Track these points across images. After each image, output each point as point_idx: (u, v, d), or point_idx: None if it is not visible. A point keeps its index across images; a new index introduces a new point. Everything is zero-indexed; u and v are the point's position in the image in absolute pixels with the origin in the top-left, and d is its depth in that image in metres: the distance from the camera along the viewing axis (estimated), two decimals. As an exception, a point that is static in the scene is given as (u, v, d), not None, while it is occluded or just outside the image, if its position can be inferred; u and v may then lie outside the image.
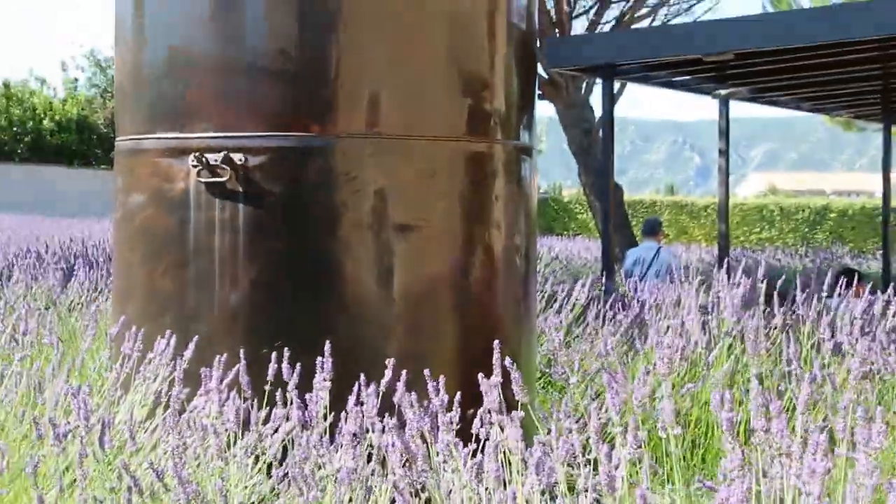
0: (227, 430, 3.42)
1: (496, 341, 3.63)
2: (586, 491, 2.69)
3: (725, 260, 11.53)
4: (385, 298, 4.59)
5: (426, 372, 3.45)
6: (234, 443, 3.47)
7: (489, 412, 3.22)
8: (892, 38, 11.38)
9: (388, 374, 3.67)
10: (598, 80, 14.60)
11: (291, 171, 4.59)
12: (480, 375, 3.39)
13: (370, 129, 4.59)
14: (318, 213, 4.58)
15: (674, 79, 14.50)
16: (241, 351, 4.08)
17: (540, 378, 6.13)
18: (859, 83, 15.69)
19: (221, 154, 4.53)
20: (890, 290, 6.43)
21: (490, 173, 4.85)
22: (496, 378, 3.37)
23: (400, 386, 3.43)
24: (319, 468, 3.01)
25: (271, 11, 4.66)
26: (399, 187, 4.62)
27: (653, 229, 14.19)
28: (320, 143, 4.59)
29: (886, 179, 19.28)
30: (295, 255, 4.60)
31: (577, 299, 7.26)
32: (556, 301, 7.32)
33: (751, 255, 23.42)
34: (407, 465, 2.68)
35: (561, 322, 7.04)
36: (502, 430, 3.04)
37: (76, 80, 44.64)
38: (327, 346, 3.77)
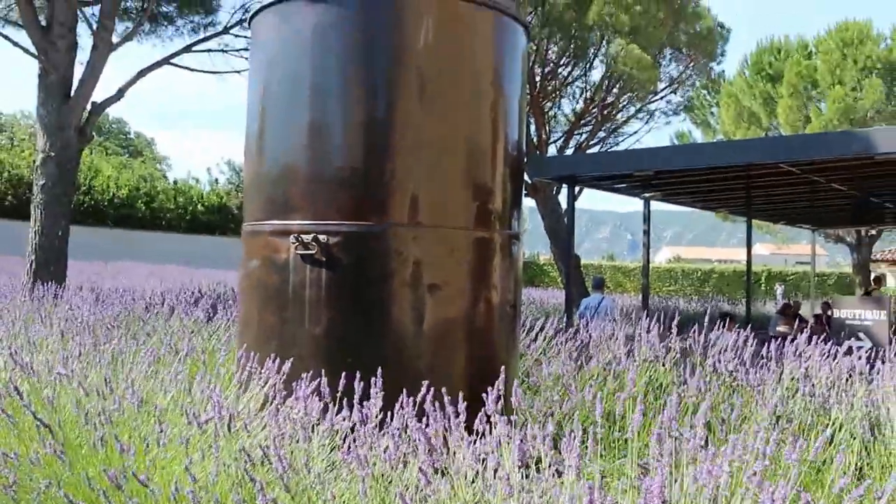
0: (310, 422, 3.38)
1: (496, 364, 3.63)
2: (549, 465, 2.65)
3: (646, 303, 11.50)
4: (418, 333, 4.56)
5: (444, 388, 3.42)
6: (315, 431, 3.44)
7: (489, 414, 3.17)
8: (751, 165, 11.41)
9: (423, 390, 3.61)
10: (564, 186, 14.63)
11: (358, 247, 4.60)
12: (487, 391, 3.36)
13: (411, 221, 4.59)
14: (374, 275, 4.58)
15: (614, 185, 14.49)
16: (322, 369, 4.06)
17: (521, 384, 6.07)
18: (732, 192, 15.71)
19: (311, 235, 4.58)
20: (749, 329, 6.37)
21: (491, 252, 4.84)
22: (497, 391, 3.32)
23: (428, 397, 3.38)
24: (372, 449, 2.97)
25: (346, 142, 4.68)
26: (430, 259, 4.62)
27: (599, 285, 14.16)
28: (377, 230, 4.58)
29: (749, 253, 19.36)
30: (359, 303, 4.58)
31: (546, 332, 7.20)
32: (533, 331, 7.28)
33: (662, 301, 23.28)
34: (429, 451, 2.64)
35: (537, 346, 6.99)
36: (495, 426, 2.99)
37: (217, 179, 45.05)
38: (380, 371, 3.73)
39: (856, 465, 4.10)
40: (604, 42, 19.07)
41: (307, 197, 4.73)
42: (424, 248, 4.60)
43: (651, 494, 2.02)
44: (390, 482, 2.90)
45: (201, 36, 16.34)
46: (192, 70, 15.89)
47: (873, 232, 30.38)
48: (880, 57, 25.68)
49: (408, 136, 4.63)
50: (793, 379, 4.83)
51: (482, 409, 3.29)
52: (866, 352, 5.84)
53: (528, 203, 20.79)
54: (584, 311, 13.06)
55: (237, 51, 16.56)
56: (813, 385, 4.64)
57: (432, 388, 3.42)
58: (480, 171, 4.83)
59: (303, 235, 4.61)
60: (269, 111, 5.00)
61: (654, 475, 2.20)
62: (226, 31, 16.20)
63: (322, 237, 4.58)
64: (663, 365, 5.28)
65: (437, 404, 3.19)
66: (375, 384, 3.52)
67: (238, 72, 16.59)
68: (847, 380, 4.89)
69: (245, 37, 15.63)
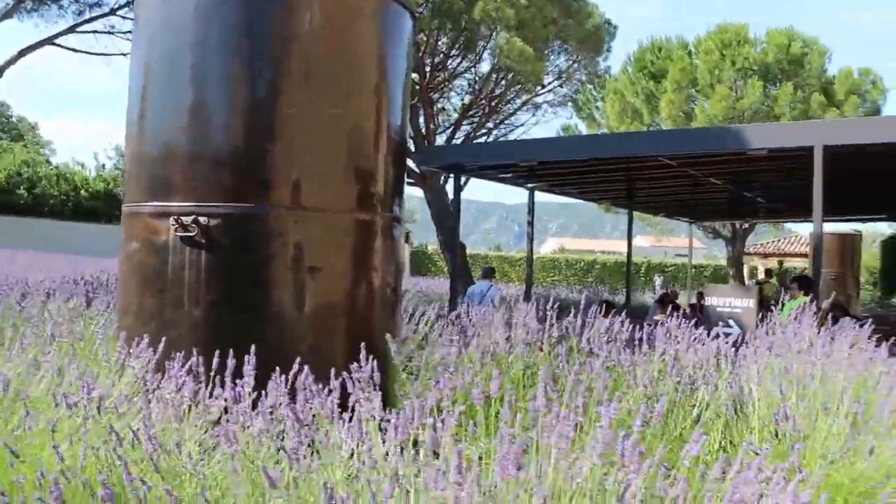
0: (182, 402, 3.30)
1: (377, 346, 3.63)
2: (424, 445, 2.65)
3: (531, 292, 11.68)
4: (299, 315, 4.52)
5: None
6: (190, 411, 3.36)
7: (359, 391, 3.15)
8: (631, 157, 11.70)
9: (297, 368, 3.56)
10: (451, 175, 14.72)
11: (238, 230, 4.53)
12: (355, 366, 3.36)
13: (293, 203, 4.54)
14: (255, 257, 4.52)
15: (500, 175, 14.67)
16: (202, 351, 3.98)
17: (404, 369, 6.07)
18: (613, 183, 16.08)
19: (192, 217, 4.48)
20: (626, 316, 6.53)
21: (372, 234, 4.82)
22: (367, 368, 3.31)
23: (301, 376, 3.34)
24: (246, 429, 2.92)
25: (227, 123, 4.60)
26: (312, 242, 4.58)
27: (487, 274, 14.31)
28: (258, 212, 4.51)
29: (629, 245, 19.88)
30: (240, 285, 4.52)
31: (429, 317, 7.23)
32: (417, 318, 7.30)
33: (546, 290, 23.66)
34: (299, 427, 2.61)
35: (419, 331, 7.02)
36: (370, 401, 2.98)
37: (104, 165, 43.53)
38: (255, 351, 3.68)
39: (720, 442, 4.25)
40: (492, 35, 19.22)
41: (187, 178, 4.62)
42: (306, 231, 4.54)
43: (506, 461, 2.05)
44: (270, 460, 2.86)
45: (87, 17, 15.77)
46: (77, 51, 15.33)
47: (747, 226, 31.58)
48: (756, 59, 26.68)
49: (289, 118, 4.56)
50: (663, 361, 4.97)
51: (361, 387, 3.27)
52: (735, 337, 6.06)
53: (417, 193, 20.86)
54: (472, 298, 13.18)
55: (124, 33, 16.04)
56: (682, 367, 4.79)
57: (306, 367, 3.38)
58: (362, 155, 4.80)
59: (183, 217, 4.50)
60: (150, 90, 4.85)
61: (514, 448, 2.23)
62: (112, 12, 15.69)
63: (202, 219, 4.48)
64: (540, 349, 5.36)
65: (310, 382, 3.16)
66: (249, 362, 3.47)
67: (125, 54, 16.10)
68: (714, 362, 5.07)
69: (132, 19, 15.16)
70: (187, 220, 4.48)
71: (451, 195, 17.87)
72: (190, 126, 4.63)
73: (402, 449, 2.69)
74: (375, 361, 3.56)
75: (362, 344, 3.74)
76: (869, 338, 5.98)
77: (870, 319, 6.57)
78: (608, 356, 4.59)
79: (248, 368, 3.46)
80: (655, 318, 13.35)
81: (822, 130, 10.06)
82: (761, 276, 36.15)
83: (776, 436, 4.08)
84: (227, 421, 2.77)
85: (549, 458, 2.36)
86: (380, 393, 3.12)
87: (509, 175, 14.66)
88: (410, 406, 2.80)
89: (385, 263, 4.87)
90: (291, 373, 3.43)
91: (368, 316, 4.79)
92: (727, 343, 5.48)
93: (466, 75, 20.97)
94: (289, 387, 3.24)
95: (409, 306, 7.54)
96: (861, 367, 5.17)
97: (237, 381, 3.50)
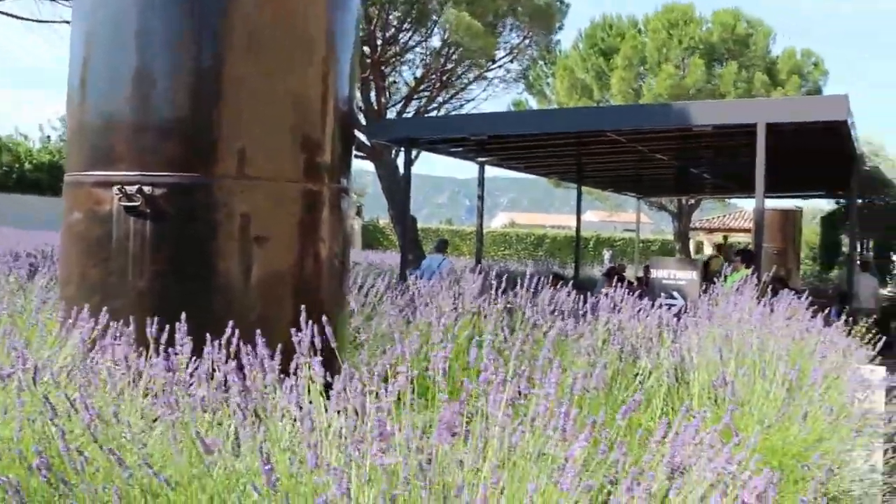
0: (122, 373, 3.24)
1: (324, 316, 3.59)
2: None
3: (479, 266, 11.70)
4: (246, 286, 4.47)
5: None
6: (134, 382, 3.30)
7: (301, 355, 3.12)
8: (581, 132, 11.74)
9: (233, 332, 3.50)
10: (402, 149, 14.68)
11: (184, 199, 4.45)
12: (293, 330, 3.34)
13: (239, 173, 4.47)
14: (201, 227, 4.46)
15: (450, 149, 14.64)
16: (146, 321, 3.91)
17: (353, 340, 6.05)
18: (563, 158, 16.15)
19: (136, 187, 4.39)
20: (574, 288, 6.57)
21: (319, 204, 4.77)
22: (308, 333, 3.28)
23: (242, 346, 3.29)
24: (189, 396, 2.87)
25: (172, 91, 4.50)
26: (258, 211, 4.52)
27: (440, 247, 14.33)
28: (204, 182, 4.44)
29: (578, 219, 20.01)
30: (185, 256, 4.46)
31: (378, 289, 7.21)
32: (367, 290, 7.27)
33: (496, 263, 23.74)
34: (244, 393, 2.57)
35: (367, 302, 7.00)
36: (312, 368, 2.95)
37: (49, 136, 42.54)
38: (183, 316, 3.64)
39: (662, 409, 4.30)
40: (443, 9, 19.10)
41: (131, 147, 4.52)
42: (252, 201, 4.48)
43: (442, 423, 2.04)
44: (213, 428, 2.82)
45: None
46: (17, 18, 14.91)
47: (693, 201, 31.95)
48: (702, 38, 26.88)
49: (235, 86, 4.49)
50: (607, 331, 5.01)
51: (310, 355, 3.24)
52: (679, 308, 6.13)
53: (369, 167, 20.73)
54: (425, 271, 13.18)
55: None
56: (625, 336, 4.83)
57: (252, 335, 3.34)
58: (309, 125, 4.74)
59: (126, 187, 4.41)
60: (93, 57, 4.73)
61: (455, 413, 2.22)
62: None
63: (147, 189, 4.40)
64: (485, 317, 5.36)
65: (253, 350, 3.12)
66: (179, 330, 3.42)
67: (67, 22, 15.69)
68: (657, 332, 5.12)
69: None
70: (131, 189, 4.39)
71: (402, 169, 17.83)
72: (134, 94, 4.52)
73: (345, 415, 2.66)
74: (323, 330, 3.52)
75: (310, 314, 3.70)
76: (806, 309, 6.09)
77: (807, 292, 6.69)
78: (552, 326, 4.61)
79: (179, 335, 3.42)
80: (603, 290, 13.49)
81: (764, 108, 10.19)
82: (708, 251, 36.68)
83: (716, 402, 4.13)
84: (170, 390, 2.72)
85: (492, 426, 2.36)
86: (324, 361, 3.09)
87: (460, 149, 14.64)
88: (352, 372, 2.77)
89: (332, 234, 4.83)
90: (234, 339, 3.38)
91: (316, 286, 4.74)
92: (670, 313, 5.54)
93: (418, 49, 20.83)
94: (234, 355, 3.19)
95: (359, 278, 7.51)
96: (798, 336, 5.26)
97: (167, 347, 3.45)
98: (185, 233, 4.46)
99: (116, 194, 4.42)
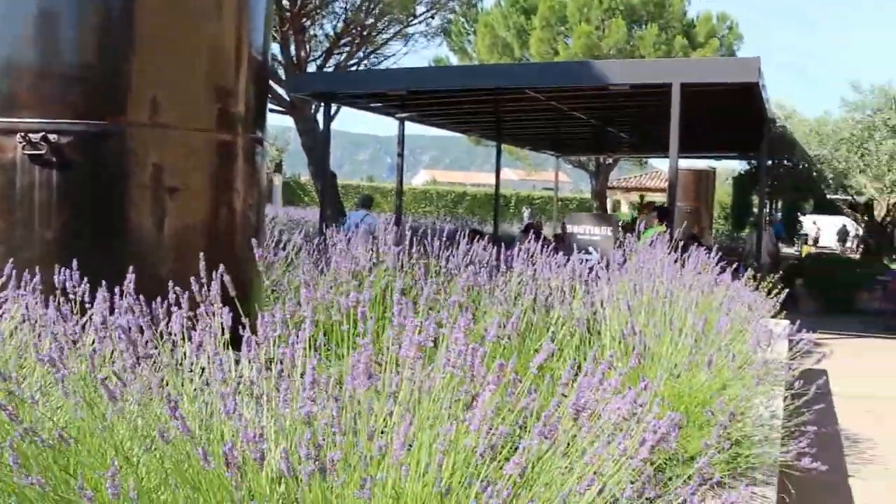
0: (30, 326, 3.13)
1: (238, 269, 3.55)
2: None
3: (400, 220, 11.72)
4: (158, 237, 4.39)
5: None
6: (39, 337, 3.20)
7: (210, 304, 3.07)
8: (499, 89, 11.76)
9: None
10: (322, 104, 14.51)
11: (93, 148, 4.32)
12: (204, 280, 3.29)
13: (150, 121, 4.36)
14: (111, 177, 4.33)
15: (371, 105, 14.53)
16: (53, 274, 3.78)
17: (271, 293, 5.99)
18: (483, 115, 16.17)
19: (41, 134, 4.24)
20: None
21: (233, 155, 4.69)
22: (216, 284, 3.23)
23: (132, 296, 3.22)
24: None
25: (80, 36, 4.34)
26: (170, 161, 4.42)
27: (365, 202, 14.32)
28: (114, 130, 4.32)
29: (498, 176, 20.12)
30: (94, 206, 4.33)
31: (296, 242, 7.14)
32: (284, 243, 7.20)
33: (416, 220, 23.75)
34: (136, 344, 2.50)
35: (287, 256, 6.94)
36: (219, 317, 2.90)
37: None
38: (75, 263, 3.56)
39: (574, 358, 4.37)
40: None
41: (36, 93, 4.36)
42: (164, 150, 4.38)
43: (357, 369, 2.04)
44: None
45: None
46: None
47: (611, 161, 32.35)
48: (622, 0, 27.05)
49: (146, 32, 4.36)
50: (521, 282, 5.05)
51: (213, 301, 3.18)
52: (594, 263, 6.21)
53: (291, 124, 20.42)
54: (349, 226, 13.12)
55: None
56: (538, 286, 4.89)
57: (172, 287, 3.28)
58: (223, 74, 4.63)
59: (31, 134, 4.24)
60: (-6, -2, 4.52)
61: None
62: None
63: (53, 137, 4.24)
64: (402, 269, 5.36)
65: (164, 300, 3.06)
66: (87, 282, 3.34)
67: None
68: (570, 284, 5.19)
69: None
70: (36, 137, 4.23)
71: (322, 125, 17.63)
72: (38, 38, 4.35)
73: (256, 364, 2.64)
74: (237, 282, 3.47)
75: (223, 265, 3.64)
76: (716, 264, 6.25)
77: (717, 248, 6.86)
78: (468, 277, 4.64)
79: (73, 283, 3.33)
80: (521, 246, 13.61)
81: (679, 68, 10.35)
82: (625, 210, 37.32)
83: (626, 352, 4.21)
84: (75, 343, 2.64)
85: (403, 370, 2.36)
86: (236, 311, 3.04)
87: (379, 105, 14.52)
88: (263, 320, 2.74)
89: (247, 185, 4.75)
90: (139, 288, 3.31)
91: (230, 237, 4.67)
92: (584, 267, 5.61)
93: (338, 3, 20.50)
94: (143, 305, 3.11)
95: (278, 233, 7.42)
96: (707, 289, 5.40)
97: (90, 303, 3.36)
98: (94, 183, 4.33)
99: (20, 142, 4.26)
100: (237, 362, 2.72)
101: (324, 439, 2.08)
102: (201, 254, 3.83)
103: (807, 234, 35.27)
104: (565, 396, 2.36)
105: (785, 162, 20.25)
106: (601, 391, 2.43)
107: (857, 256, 25.02)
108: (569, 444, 2.35)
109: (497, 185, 20.43)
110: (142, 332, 2.62)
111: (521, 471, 2.01)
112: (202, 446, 2.00)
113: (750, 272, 6.93)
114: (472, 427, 2.02)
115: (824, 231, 40.26)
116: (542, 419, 2.16)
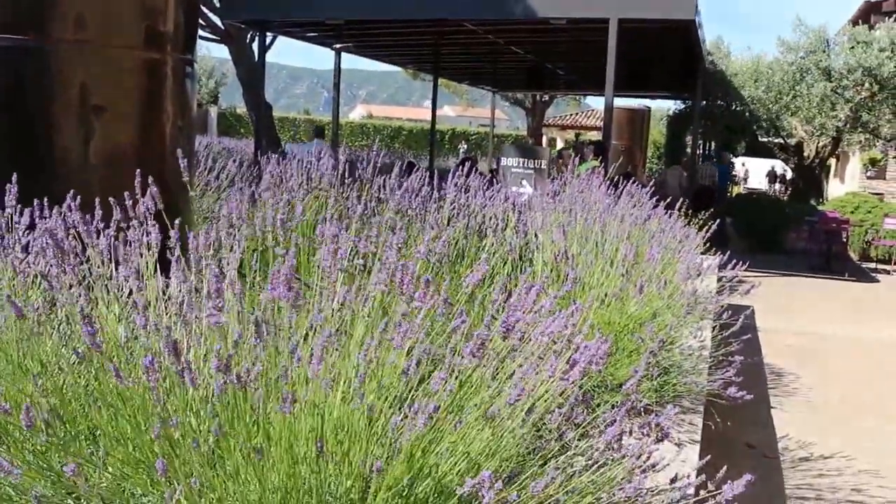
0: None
1: (169, 193, 3.43)
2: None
3: (336, 152, 11.58)
4: (85, 158, 4.23)
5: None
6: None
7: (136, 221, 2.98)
8: (438, 20, 11.59)
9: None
10: (257, 33, 14.20)
11: (12, 65, 4.10)
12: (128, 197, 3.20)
13: (74, 37, 4.16)
14: (32, 96, 4.14)
15: (306, 34, 14.26)
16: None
17: (205, 219, 5.88)
18: (421, 48, 15.97)
19: (-43, 49, 4.02)
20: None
21: (162, 75, 4.50)
22: (146, 202, 3.13)
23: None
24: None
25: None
26: (96, 80, 4.22)
27: (318, 132, 14.27)
28: (35, 46, 4.10)
29: (434, 109, 19.99)
30: (16, 127, 4.15)
31: (230, 171, 7.02)
32: (218, 171, 7.06)
33: (353, 152, 23.51)
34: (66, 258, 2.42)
35: (220, 185, 6.82)
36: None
37: None
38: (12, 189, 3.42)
39: (507, 286, 4.37)
40: None
41: (-51, 6, 4.13)
42: (89, 68, 4.18)
43: (276, 279, 1.99)
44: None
45: None
46: None
47: (547, 98, 32.37)
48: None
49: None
50: (453, 209, 5.01)
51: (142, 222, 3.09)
52: (528, 196, 6.21)
53: (224, 54, 19.89)
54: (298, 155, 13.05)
55: None
56: (471, 212, 4.87)
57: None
58: (151, -11, 4.44)
59: (-52, 49, 4.04)
60: None
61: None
62: None
63: (-30, 52, 4.04)
64: (336, 198, 5.28)
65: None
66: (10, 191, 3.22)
67: None
68: (504, 214, 5.18)
69: None
70: (-48, 51, 4.02)
71: (257, 55, 17.21)
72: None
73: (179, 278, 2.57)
74: (166, 206, 3.36)
75: (152, 189, 3.52)
76: (649, 200, 6.30)
77: (651, 184, 6.91)
78: (399, 202, 4.59)
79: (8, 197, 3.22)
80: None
81: (616, 2, 10.28)
82: (560, 145, 37.42)
83: (558, 278, 4.23)
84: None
85: (327, 285, 2.32)
86: (165, 232, 2.95)
87: (315, 34, 14.25)
88: (195, 239, 2.68)
89: (175, 106, 4.58)
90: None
91: (159, 159, 4.52)
92: (518, 195, 5.61)
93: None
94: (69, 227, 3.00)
95: (211, 161, 7.27)
96: (640, 221, 5.44)
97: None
98: (13, 102, 4.14)
99: (-63, 57, 4.05)
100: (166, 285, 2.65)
101: (239, 353, 2.03)
102: (129, 175, 3.70)
103: (736, 174, 35.82)
104: (495, 319, 2.35)
105: (719, 102, 20.43)
106: (533, 313, 2.42)
107: (786, 198, 25.52)
108: (498, 368, 2.34)
109: (433, 120, 20.30)
110: (69, 236, 2.53)
111: (446, 387, 1.99)
112: (117, 362, 1.94)
113: (680, 207, 7.01)
114: (396, 343, 2.00)
115: (753, 173, 41.00)
116: (476, 337, 2.14)
